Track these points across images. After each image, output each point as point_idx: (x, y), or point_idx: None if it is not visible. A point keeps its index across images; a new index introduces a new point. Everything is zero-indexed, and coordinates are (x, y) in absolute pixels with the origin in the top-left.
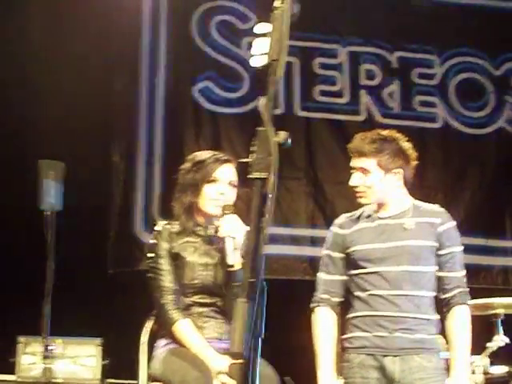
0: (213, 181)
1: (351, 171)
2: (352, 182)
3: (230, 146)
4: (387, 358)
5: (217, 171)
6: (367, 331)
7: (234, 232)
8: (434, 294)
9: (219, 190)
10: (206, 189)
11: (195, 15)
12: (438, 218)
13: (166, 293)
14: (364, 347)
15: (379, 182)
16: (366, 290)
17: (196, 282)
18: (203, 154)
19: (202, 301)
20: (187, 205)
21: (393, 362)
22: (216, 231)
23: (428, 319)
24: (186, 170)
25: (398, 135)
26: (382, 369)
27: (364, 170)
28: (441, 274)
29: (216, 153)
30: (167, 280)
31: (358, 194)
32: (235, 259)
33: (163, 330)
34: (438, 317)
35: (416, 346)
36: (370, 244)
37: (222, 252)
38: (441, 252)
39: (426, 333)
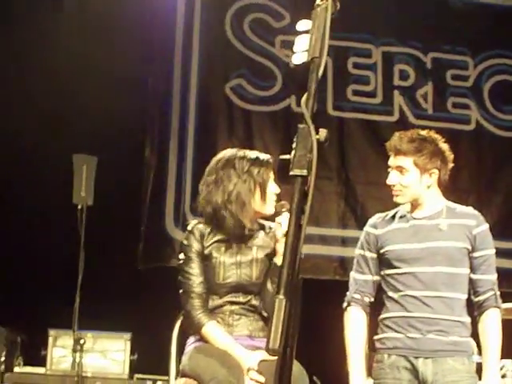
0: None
1: (388, 170)
2: (389, 181)
3: (262, 144)
4: (419, 359)
5: (271, 171)
6: (400, 332)
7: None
8: (467, 296)
9: (275, 190)
10: (268, 189)
11: (229, 13)
12: (473, 220)
13: (193, 298)
14: (396, 348)
15: (416, 182)
16: (399, 291)
17: (229, 281)
18: (247, 156)
19: (234, 299)
20: (246, 207)
21: (425, 364)
22: (250, 230)
23: (461, 321)
24: (237, 172)
25: (436, 136)
26: (414, 370)
27: (401, 169)
28: (474, 276)
29: (254, 152)
30: (195, 284)
31: (394, 193)
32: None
33: (191, 329)
34: (470, 319)
35: (449, 349)
36: (405, 244)
37: (265, 249)
38: (474, 254)
39: (459, 335)
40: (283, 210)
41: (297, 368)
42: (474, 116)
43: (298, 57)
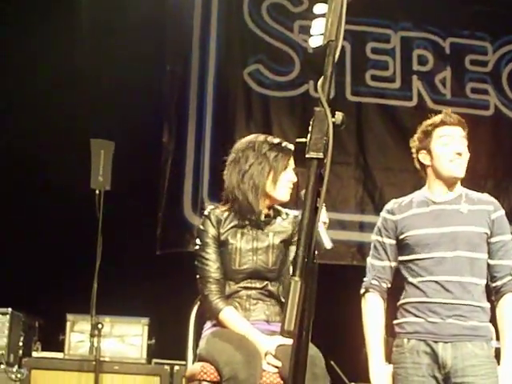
0: (285, 168)
1: (450, 138)
2: (461, 149)
3: (280, 130)
4: (439, 344)
5: (290, 160)
6: (420, 317)
7: (323, 217)
8: (485, 281)
9: (292, 178)
10: (281, 176)
11: None
12: (491, 206)
13: (210, 283)
14: (416, 332)
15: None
16: (420, 276)
17: (246, 267)
18: (269, 140)
19: (251, 285)
20: (260, 189)
21: (445, 349)
22: (266, 216)
23: (481, 306)
24: (255, 153)
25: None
26: (433, 355)
27: (465, 141)
28: (492, 262)
29: (279, 139)
30: (212, 269)
31: (458, 163)
32: (330, 243)
33: (209, 314)
34: (489, 305)
35: (468, 333)
36: (425, 229)
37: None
38: (492, 240)
39: (479, 320)
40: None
41: (313, 351)
42: (493, 101)
43: (315, 40)
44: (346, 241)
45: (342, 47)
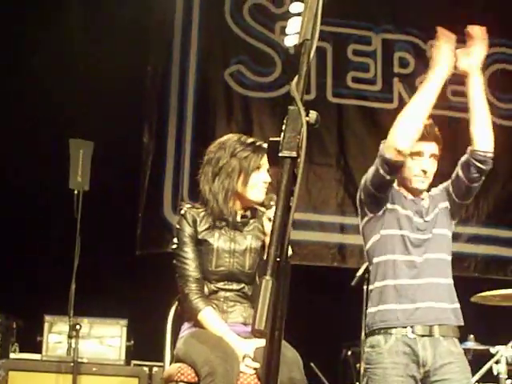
0: (257, 169)
1: (420, 155)
2: (428, 168)
3: (261, 130)
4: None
5: (262, 159)
6: None
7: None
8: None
9: (265, 178)
10: (253, 177)
11: None
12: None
13: (190, 281)
14: None
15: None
16: None
17: (222, 268)
18: (242, 140)
19: (227, 287)
20: (229, 191)
21: (424, 348)
22: (243, 217)
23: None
24: (226, 153)
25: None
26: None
27: (435, 157)
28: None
29: (252, 139)
30: (191, 268)
31: (421, 179)
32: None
33: (188, 314)
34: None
35: None
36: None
37: (257, 239)
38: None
39: None
40: (272, 203)
41: (291, 353)
42: None
43: (290, 39)
44: (326, 242)
45: (324, 49)
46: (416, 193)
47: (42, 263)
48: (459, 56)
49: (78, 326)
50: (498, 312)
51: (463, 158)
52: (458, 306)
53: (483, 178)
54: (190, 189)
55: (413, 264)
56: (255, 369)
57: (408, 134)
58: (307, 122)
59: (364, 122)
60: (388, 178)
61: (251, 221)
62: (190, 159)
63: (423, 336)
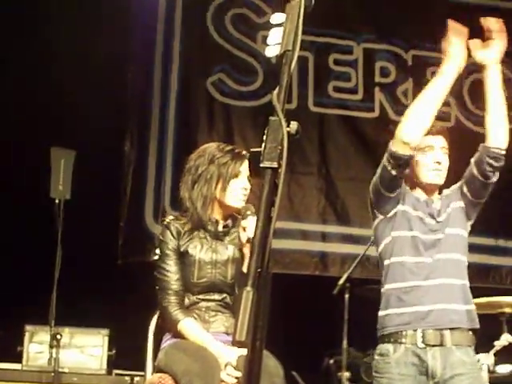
0: (236, 175)
1: (432, 149)
2: (441, 159)
3: (243, 140)
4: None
5: (241, 166)
6: None
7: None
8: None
9: (244, 185)
10: (231, 183)
11: (211, 8)
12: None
13: (169, 294)
14: None
15: None
16: None
17: (204, 280)
18: (221, 147)
19: (209, 297)
20: (207, 198)
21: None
22: (225, 226)
23: None
24: (206, 161)
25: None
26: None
27: (446, 151)
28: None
29: (232, 147)
30: (171, 281)
31: (438, 172)
32: None
33: (168, 326)
34: None
35: None
36: None
37: (238, 250)
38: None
39: None
40: (248, 212)
41: (272, 362)
42: (454, 113)
43: (272, 49)
44: (308, 251)
45: (305, 58)
46: (433, 190)
47: (23, 272)
48: (474, 48)
49: (59, 336)
50: (480, 320)
51: (476, 155)
52: (473, 307)
53: (497, 174)
54: (171, 198)
55: (424, 265)
56: (237, 378)
57: (416, 127)
58: (288, 133)
59: (345, 131)
60: (394, 173)
61: (232, 230)
62: (171, 168)
63: (434, 346)
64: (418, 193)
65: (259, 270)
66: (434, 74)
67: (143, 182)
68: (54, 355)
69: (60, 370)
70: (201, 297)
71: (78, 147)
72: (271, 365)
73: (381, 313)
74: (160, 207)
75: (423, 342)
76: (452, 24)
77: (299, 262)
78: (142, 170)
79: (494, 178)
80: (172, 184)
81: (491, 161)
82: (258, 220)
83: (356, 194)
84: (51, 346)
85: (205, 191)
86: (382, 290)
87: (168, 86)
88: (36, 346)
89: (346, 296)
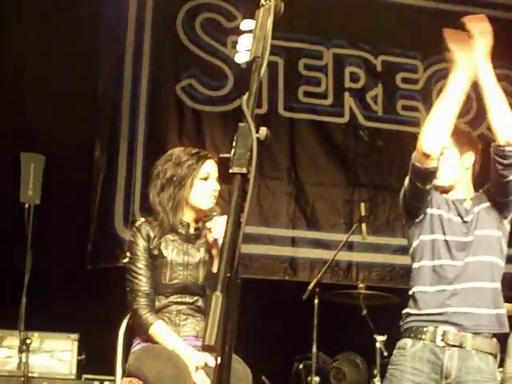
0: (206, 177)
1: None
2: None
3: (213, 145)
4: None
5: (208, 167)
6: None
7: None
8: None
9: (213, 186)
10: (200, 185)
11: (181, 12)
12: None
13: (140, 296)
14: None
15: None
16: None
17: (176, 281)
18: (187, 151)
19: (181, 300)
20: (177, 200)
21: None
22: (196, 229)
23: None
24: (173, 164)
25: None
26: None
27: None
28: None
29: (198, 149)
30: (142, 283)
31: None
32: None
33: (138, 329)
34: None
35: None
36: None
37: (208, 252)
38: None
39: None
40: (214, 213)
41: (241, 367)
42: (423, 118)
43: (241, 56)
44: (277, 256)
45: (275, 63)
46: (446, 191)
47: None
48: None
49: (28, 341)
50: None
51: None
52: (503, 311)
53: None
54: (141, 203)
55: (451, 268)
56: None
57: (435, 138)
58: (257, 139)
59: (315, 135)
60: (420, 186)
61: (203, 233)
62: (141, 174)
63: (453, 346)
64: (447, 194)
65: (228, 274)
66: (403, 79)
67: (113, 187)
68: (23, 360)
69: (30, 374)
70: (172, 299)
71: (48, 152)
72: (240, 370)
73: (405, 310)
74: (130, 212)
75: (443, 340)
76: (448, 32)
77: (268, 267)
78: (111, 175)
79: (510, 177)
80: (141, 190)
81: (501, 159)
82: (227, 225)
83: (325, 198)
84: (21, 351)
85: (174, 195)
86: (410, 292)
87: (138, 91)
88: (5, 351)
89: (316, 301)
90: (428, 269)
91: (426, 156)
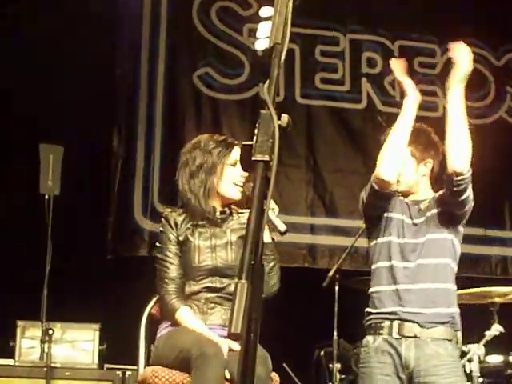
0: (234, 164)
1: None
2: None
3: (231, 133)
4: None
5: (236, 154)
6: None
7: (271, 205)
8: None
9: (241, 173)
10: (229, 171)
11: (197, 1)
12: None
13: (167, 284)
14: None
15: (412, 171)
16: None
17: (206, 263)
18: (215, 138)
19: (211, 285)
20: (208, 187)
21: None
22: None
23: None
24: (201, 152)
25: (429, 128)
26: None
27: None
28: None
29: (224, 136)
30: (170, 271)
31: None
32: (284, 226)
33: (165, 315)
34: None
35: None
36: None
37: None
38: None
39: None
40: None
41: (259, 352)
42: (441, 103)
43: (261, 43)
44: (296, 243)
45: (292, 50)
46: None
47: (14, 268)
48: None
49: (50, 331)
50: (470, 310)
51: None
52: (456, 310)
53: (466, 191)
54: (159, 192)
55: (404, 270)
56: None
57: (391, 165)
58: (279, 126)
59: (333, 122)
60: (377, 203)
61: (230, 217)
62: (159, 162)
63: (409, 337)
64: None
65: (252, 262)
66: (420, 64)
67: (132, 176)
68: (45, 350)
69: (52, 364)
70: (203, 284)
71: (68, 143)
72: (258, 354)
73: (366, 309)
74: (148, 202)
75: (399, 333)
76: (393, 62)
77: (288, 255)
78: (130, 165)
79: (463, 196)
80: (160, 178)
81: (450, 186)
82: (250, 213)
83: (344, 185)
84: (43, 341)
85: (206, 181)
86: (369, 291)
87: (155, 80)
88: (28, 342)
89: (336, 288)
90: (384, 270)
91: (385, 182)
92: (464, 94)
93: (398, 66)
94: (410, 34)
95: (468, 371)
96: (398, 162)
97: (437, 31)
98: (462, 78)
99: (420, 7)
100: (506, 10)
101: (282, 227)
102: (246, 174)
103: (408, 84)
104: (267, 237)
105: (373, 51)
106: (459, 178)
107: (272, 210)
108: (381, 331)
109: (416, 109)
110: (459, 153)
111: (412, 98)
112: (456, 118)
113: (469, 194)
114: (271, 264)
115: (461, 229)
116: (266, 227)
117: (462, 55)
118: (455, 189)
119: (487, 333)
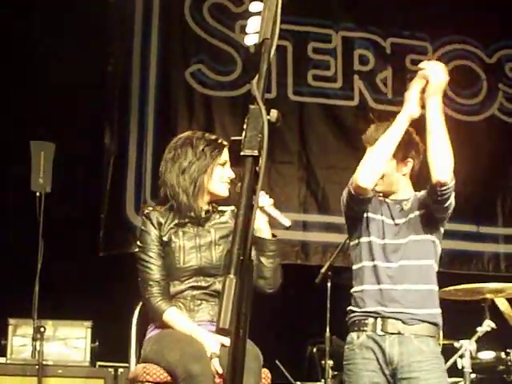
0: (223, 164)
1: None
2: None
3: (223, 129)
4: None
5: (226, 155)
6: None
7: (267, 200)
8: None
9: (230, 174)
10: (218, 171)
11: None
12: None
13: (151, 286)
14: None
15: (392, 171)
16: None
17: (191, 264)
18: (205, 136)
19: (196, 284)
20: (198, 185)
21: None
22: (206, 212)
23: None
24: (193, 149)
25: (410, 128)
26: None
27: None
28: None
29: (215, 136)
30: (153, 272)
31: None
32: (288, 221)
33: (152, 317)
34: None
35: None
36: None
37: (220, 232)
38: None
39: None
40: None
41: (250, 348)
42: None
43: (250, 38)
44: (289, 240)
45: (284, 47)
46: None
47: (4, 266)
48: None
49: (42, 329)
50: (462, 307)
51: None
52: (438, 311)
53: (450, 198)
54: (152, 189)
55: (386, 270)
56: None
57: (371, 174)
58: (268, 121)
59: (325, 119)
60: (355, 208)
61: (213, 215)
62: (151, 160)
63: (392, 334)
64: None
65: (241, 257)
66: (412, 61)
67: (123, 173)
68: (37, 348)
69: (44, 362)
70: (188, 284)
71: (58, 140)
72: (249, 350)
73: (348, 308)
74: (141, 199)
75: (382, 329)
76: (429, 66)
77: (281, 251)
78: (122, 161)
79: (446, 203)
80: (152, 175)
81: (433, 195)
82: (239, 208)
83: (336, 182)
84: (35, 339)
85: (197, 179)
86: (351, 291)
87: (147, 76)
88: (20, 339)
89: (329, 284)
90: (366, 269)
91: (362, 189)
92: (442, 106)
93: (428, 73)
94: (402, 32)
95: (460, 367)
96: (378, 172)
97: (428, 29)
98: (436, 90)
99: (412, 5)
100: (497, 8)
101: (287, 222)
102: (233, 175)
103: (412, 97)
104: (268, 233)
105: (365, 49)
106: (443, 188)
107: (271, 205)
108: (365, 328)
109: (408, 124)
110: (442, 165)
111: (407, 112)
112: (436, 131)
113: (452, 199)
114: (277, 260)
115: (442, 229)
116: (267, 223)
117: (432, 70)
118: (439, 198)
119: (479, 329)
